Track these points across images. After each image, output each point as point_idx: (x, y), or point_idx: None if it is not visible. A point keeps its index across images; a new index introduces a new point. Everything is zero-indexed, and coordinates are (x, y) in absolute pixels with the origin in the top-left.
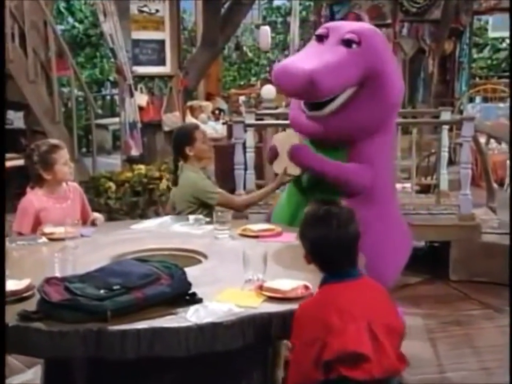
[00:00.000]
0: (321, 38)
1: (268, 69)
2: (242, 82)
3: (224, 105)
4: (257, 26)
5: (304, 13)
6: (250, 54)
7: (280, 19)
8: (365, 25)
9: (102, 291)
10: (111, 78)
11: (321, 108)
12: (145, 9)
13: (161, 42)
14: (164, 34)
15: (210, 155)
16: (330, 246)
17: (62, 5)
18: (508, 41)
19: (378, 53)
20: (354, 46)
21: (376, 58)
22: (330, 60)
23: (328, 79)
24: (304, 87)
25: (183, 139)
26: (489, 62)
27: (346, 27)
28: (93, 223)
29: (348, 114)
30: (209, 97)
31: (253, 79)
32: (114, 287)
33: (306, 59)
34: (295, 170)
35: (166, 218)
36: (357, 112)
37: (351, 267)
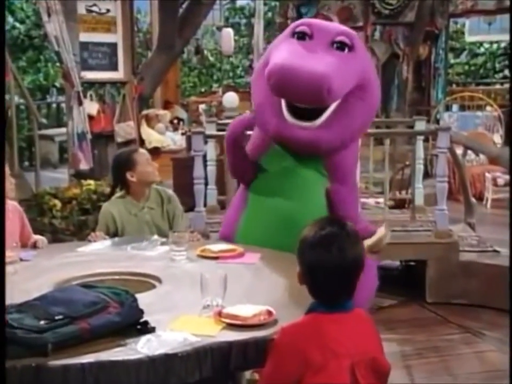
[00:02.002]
0: (303, 37)
1: (231, 74)
2: (203, 89)
3: (183, 114)
4: (219, 28)
5: (269, 14)
6: (211, 59)
7: (243, 20)
8: (349, 28)
9: (42, 322)
10: (57, 84)
11: (312, 118)
12: (94, 8)
13: (113, 45)
14: (116, 37)
15: (156, 178)
16: (327, 273)
17: None
18: (485, 45)
19: (365, 57)
20: (346, 49)
21: (364, 63)
22: (336, 64)
23: (337, 85)
24: (317, 91)
25: (121, 165)
26: (466, 67)
27: (334, 27)
28: (34, 246)
29: (338, 124)
30: (166, 105)
31: (215, 85)
32: (57, 317)
33: (309, 60)
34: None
35: (117, 239)
36: (347, 121)
37: (346, 298)
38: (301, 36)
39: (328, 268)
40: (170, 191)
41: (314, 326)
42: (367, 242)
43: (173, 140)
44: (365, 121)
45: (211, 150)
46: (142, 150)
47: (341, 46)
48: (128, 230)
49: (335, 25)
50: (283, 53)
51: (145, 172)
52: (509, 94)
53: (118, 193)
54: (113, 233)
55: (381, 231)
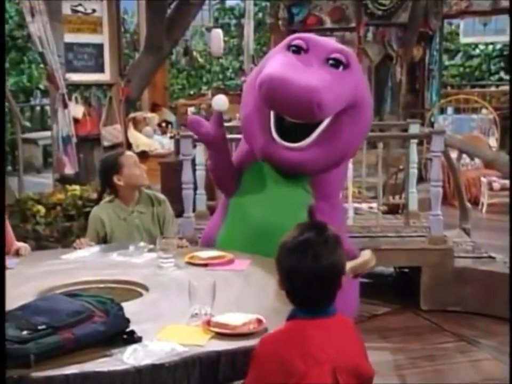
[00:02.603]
0: (298, 51)
1: (220, 76)
2: (192, 92)
3: (171, 117)
4: (208, 29)
5: (260, 14)
6: (200, 60)
7: (233, 21)
8: (344, 46)
9: (24, 332)
10: (41, 86)
11: (299, 135)
12: (79, 8)
13: (99, 46)
14: (102, 37)
15: (144, 181)
16: (304, 279)
17: None
18: (481, 47)
19: (360, 76)
20: (341, 67)
21: (359, 82)
22: (328, 80)
23: (329, 100)
24: (307, 105)
25: (108, 168)
26: (461, 69)
27: (330, 44)
28: (17, 253)
29: (328, 145)
30: (154, 108)
31: (204, 87)
32: (40, 327)
33: (302, 74)
34: None
35: (103, 246)
36: (338, 142)
37: (326, 304)
38: (296, 50)
39: (304, 274)
40: (162, 195)
41: (295, 333)
42: (349, 264)
43: (161, 144)
44: (355, 143)
45: (200, 154)
46: (129, 153)
47: (336, 63)
48: (117, 234)
49: (332, 42)
50: (277, 63)
51: (132, 175)
52: (506, 96)
53: (107, 198)
54: (102, 238)
55: (365, 254)
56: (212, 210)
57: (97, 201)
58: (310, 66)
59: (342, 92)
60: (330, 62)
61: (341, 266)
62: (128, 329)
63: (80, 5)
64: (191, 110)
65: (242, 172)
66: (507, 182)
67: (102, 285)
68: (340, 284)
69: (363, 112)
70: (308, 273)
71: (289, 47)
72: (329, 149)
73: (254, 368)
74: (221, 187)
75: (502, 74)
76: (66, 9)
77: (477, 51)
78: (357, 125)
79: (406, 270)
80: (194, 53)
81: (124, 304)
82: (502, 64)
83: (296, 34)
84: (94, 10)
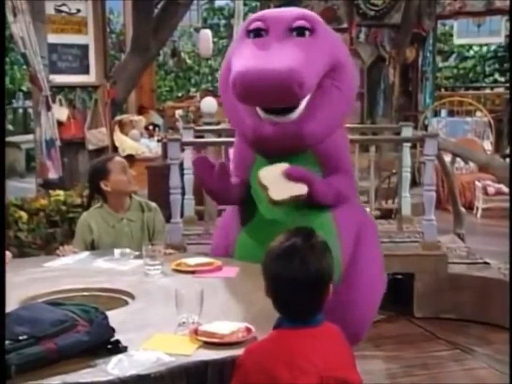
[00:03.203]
0: (259, 33)
1: (209, 78)
2: (180, 94)
3: (158, 120)
4: (197, 30)
5: (250, 14)
6: (189, 61)
7: (223, 21)
8: (306, 10)
9: (6, 342)
10: (23, 88)
11: (288, 111)
12: (64, 8)
13: (84, 47)
14: (87, 38)
15: (131, 187)
16: (290, 287)
17: None
18: (475, 48)
19: (332, 39)
20: (307, 33)
21: (332, 45)
22: (300, 54)
23: (308, 76)
24: (287, 89)
25: (95, 174)
26: (455, 71)
27: (289, 14)
28: None
29: (317, 114)
30: (141, 110)
31: (192, 90)
32: (21, 337)
33: (273, 58)
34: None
35: (87, 253)
36: (326, 110)
37: (313, 313)
38: (256, 33)
39: (291, 280)
40: (153, 203)
41: (280, 343)
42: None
43: (148, 147)
44: (345, 104)
45: (188, 158)
46: (118, 158)
47: (301, 31)
48: (105, 241)
49: (291, 10)
50: (242, 58)
51: (119, 181)
52: (501, 98)
53: (97, 204)
54: (90, 244)
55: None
56: (200, 215)
57: (86, 207)
58: (275, 47)
59: (317, 59)
60: (294, 32)
61: (329, 272)
62: (113, 339)
63: (64, 4)
64: (179, 112)
65: (246, 175)
66: (502, 186)
67: (86, 293)
68: (328, 291)
69: (346, 73)
70: (295, 280)
71: (248, 32)
72: (321, 115)
73: (238, 378)
74: (228, 203)
75: (496, 76)
76: (49, 9)
77: (471, 52)
78: (343, 86)
79: (399, 276)
80: (182, 54)
81: (108, 313)
82: (497, 65)
83: (252, 16)
84: (78, 10)
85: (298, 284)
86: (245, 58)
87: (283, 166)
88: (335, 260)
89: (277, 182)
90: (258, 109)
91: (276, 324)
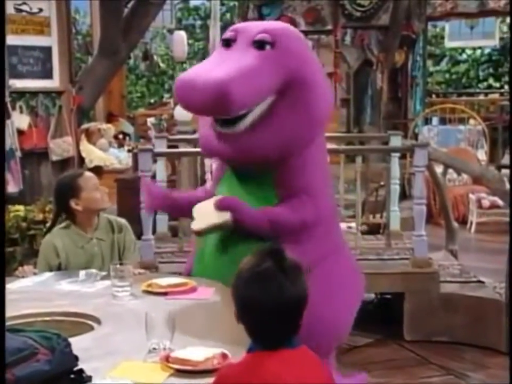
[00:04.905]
0: (228, 43)
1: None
2: (152, 100)
3: (129, 128)
4: (171, 31)
5: (227, 15)
6: (162, 65)
7: (198, 22)
8: (280, 24)
9: None
10: None
11: (234, 123)
12: (24, 7)
13: (47, 50)
14: (50, 40)
15: (104, 204)
16: (264, 312)
17: None
18: (468, 52)
19: (297, 54)
20: (267, 47)
21: (295, 60)
22: (240, 66)
23: (241, 89)
24: (214, 101)
25: (64, 191)
26: (447, 76)
27: (256, 27)
28: None
29: (265, 130)
30: (110, 118)
31: (166, 96)
32: None
33: (212, 68)
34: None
35: (50, 275)
36: (276, 127)
37: (288, 336)
38: (227, 43)
39: (265, 307)
40: (123, 220)
41: (254, 366)
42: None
43: (118, 158)
44: (302, 126)
45: (161, 169)
46: (88, 174)
47: (261, 44)
48: (74, 264)
49: (260, 23)
50: (198, 64)
51: (92, 199)
52: (495, 105)
53: (62, 224)
54: (56, 269)
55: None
56: (174, 231)
57: (49, 228)
58: (230, 57)
59: (267, 74)
60: (255, 44)
61: (305, 295)
62: (76, 368)
63: (24, 3)
64: (151, 120)
65: (215, 189)
66: (497, 199)
67: (48, 318)
68: (303, 314)
69: (306, 94)
70: (271, 306)
71: (221, 41)
72: (268, 134)
73: None
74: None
75: (491, 81)
76: (9, 8)
77: (464, 56)
78: (300, 109)
79: (388, 296)
80: (155, 57)
81: (72, 340)
82: (491, 70)
83: (232, 27)
84: (40, 10)
85: (274, 310)
86: (195, 66)
87: (217, 198)
88: None
89: (203, 212)
90: (212, 119)
91: (249, 346)
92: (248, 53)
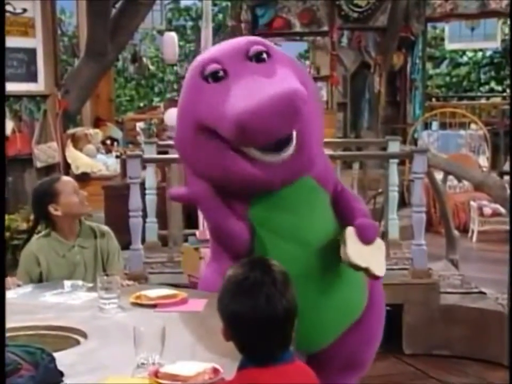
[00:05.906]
0: (216, 77)
1: (175, 86)
2: (141, 104)
3: (117, 134)
4: (161, 33)
5: (220, 16)
6: (152, 68)
7: (189, 23)
8: (250, 37)
9: None
10: None
11: (279, 149)
12: (8, 8)
13: (31, 52)
14: (35, 41)
15: (84, 209)
16: (253, 326)
17: None
18: (469, 54)
19: (289, 57)
20: (266, 57)
21: (293, 63)
22: (285, 75)
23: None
24: (298, 108)
25: (42, 197)
26: (447, 79)
27: (238, 45)
28: None
29: (306, 141)
30: (98, 123)
31: (156, 99)
32: None
33: (262, 87)
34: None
35: (33, 286)
36: (307, 135)
37: (281, 349)
38: (214, 77)
39: (254, 321)
40: (105, 227)
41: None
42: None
43: (105, 164)
44: (318, 124)
45: (150, 176)
46: (66, 178)
47: (259, 56)
48: (55, 274)
49: (237, 41)
50: (237, 97)
51: (70, 203)
52: (497, 109)
53: (42, 232)
54: (37, 278)
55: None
56: (164, 240)
57: (29, 237)
58: (250, 79)
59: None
60: (253, 59)
61: (294, 306)
62: None
63: (8, 3)
64: (140, 125)
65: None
66: (499, 207)
67: (31, 332)
68: (294, 326)
69: (311, 91)
70: (260, 320)
71: (205, 78)
72: (306, 149)
73: None
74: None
75: (493, 84)
76: None
77: (465, 58)
78: (315, 107)
79: (387, 308)
80: (144, 60)
81: (57, 355)
82: (493, 73)
83: (202, 58)
84: (24, 10)
85: (264, 324)
86: (233, 101)
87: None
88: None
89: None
90: (253, 151)
91: (240, 363)
92: (260, 69)
